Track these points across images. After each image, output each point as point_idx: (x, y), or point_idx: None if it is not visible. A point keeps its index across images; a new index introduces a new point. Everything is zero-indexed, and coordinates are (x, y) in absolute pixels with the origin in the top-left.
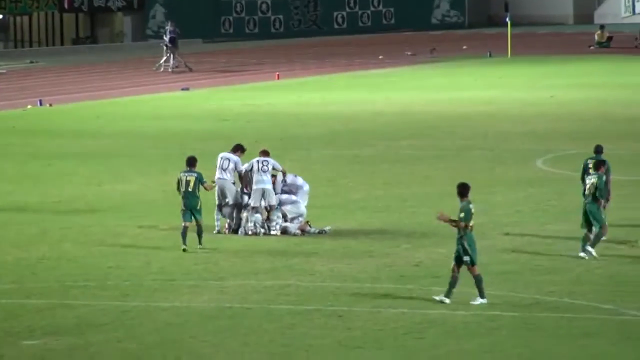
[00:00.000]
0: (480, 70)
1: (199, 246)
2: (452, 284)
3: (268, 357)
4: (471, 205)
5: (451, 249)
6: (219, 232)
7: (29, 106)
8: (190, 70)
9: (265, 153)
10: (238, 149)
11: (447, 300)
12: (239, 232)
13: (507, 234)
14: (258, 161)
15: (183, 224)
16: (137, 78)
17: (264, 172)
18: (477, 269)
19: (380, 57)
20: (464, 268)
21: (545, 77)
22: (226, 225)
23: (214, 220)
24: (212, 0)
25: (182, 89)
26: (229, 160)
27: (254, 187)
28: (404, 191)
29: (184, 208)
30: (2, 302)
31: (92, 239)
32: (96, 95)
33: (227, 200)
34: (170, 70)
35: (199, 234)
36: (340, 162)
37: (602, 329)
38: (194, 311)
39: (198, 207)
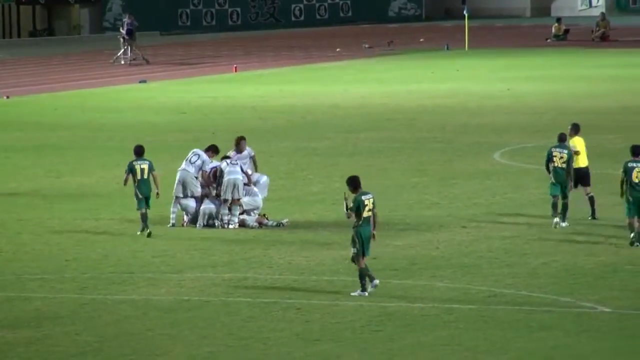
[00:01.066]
0: (437, 63)
1: (139, 231)
2: (362, 275)
3: (226, 350)
4: (364, 197)
5: (408, 241)
6: (173, 225)
7: None
8: (148, 62)
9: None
10: (210, 149)
11: (366, 294)
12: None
13: (464, 226)
14: (227, 163)
15: (140, 211)
16: (95, 70)
17: (234, 164)
18: (364, 262)
19: (338, 49)
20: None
21: (502, 70)
22: (185, 218)
23: (170, 212)
24: None
25: (140, 82)
26: (199, 156)
27: (226, 177)
28: (362, 184)
29: (140, 196)
30: None
31: (50, 231)
32: (54, 87)
33: (187, 192)
34: (127, 62)
35: (144, 219)
36: (298, 155)
37: (559, 321)
38: (152, 304)
39: (149, 195)
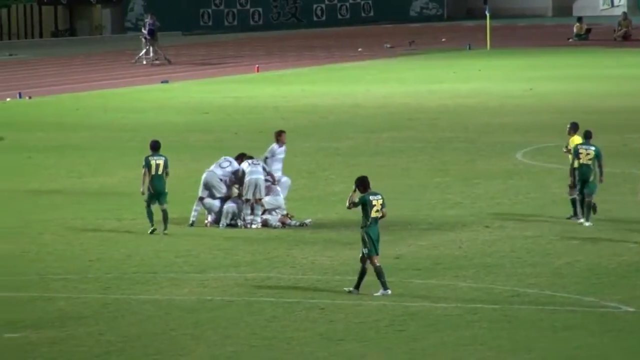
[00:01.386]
0: (459, 63)
1: (164, 231)
2: (379, 274)
3: (249, 350)
4: (373, 197)
5: (432, 241)
6: (193, 223)
7: (8, 99)
8: (170, 62)
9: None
10: (240, 158)
11: (356, 292)
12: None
13: (487, 226)
14: (249, 164)
15: (147, 205)
16: (117, 71)
17: (256, 164)
18: (378, 260)
19: (360, 49)
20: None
21: (524, 70)
22: (209, 218)
23: (191, 211)
24: None
25: (162, 82)
26: (230, 162)
27: (247, 177)
28: (384, 183)
29: (151, 191)
30: None
31: (73, 231)
32: (75, 87)
33: (212, 193)
34: (149, 62)
35: (165, 220)
36: (320, 155)
37: (583, 321)
38: (175, 304)
39: (165, 190)
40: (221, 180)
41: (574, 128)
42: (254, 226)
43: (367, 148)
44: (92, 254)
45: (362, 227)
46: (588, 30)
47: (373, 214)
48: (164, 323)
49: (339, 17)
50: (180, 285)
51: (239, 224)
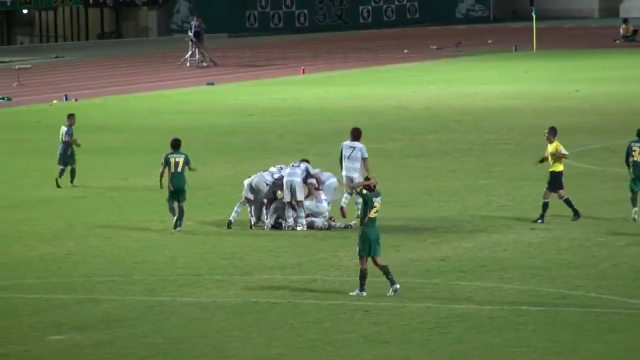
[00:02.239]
0: (505, 65)
1: (178, 228)
2: (362, 276)
3: (294, 352)
4: (375, 198)
5: (477, 243)
6: (230, 224)
7: (54, 101)
8: (215, 64)
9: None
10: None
11: (364, 294)
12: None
13: (532, 228)
14: (291, 166)
15: (169, 205)
16: (162, 73)
17: (295, 166)
18: (366, 263)
19: (405, 51)
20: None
21: (571, 71)
22: (252, 220)
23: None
24: None
25: (207, 84)
26: (299, 165)
27: (285, 178)
28: (430, 185)
29: (170, 188)
30: (28, 297)
31: (118, 233)
32: (121, 89)
33: (259, 197)
34: (195, 64)
35: (180, 217)
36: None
37: (629, 324)
38: (220, 306)
39: (184, 188)
40: (267, 185)
41: (552, 133)
42: (298, 228)
43: (413, 149)
44: (137, 256)
45: (361, 225)
46: (635, 32)
47: (372, 214)
48: (208, 325)
49: (385, 18)
50: (225, 287)
51: (283, 225)
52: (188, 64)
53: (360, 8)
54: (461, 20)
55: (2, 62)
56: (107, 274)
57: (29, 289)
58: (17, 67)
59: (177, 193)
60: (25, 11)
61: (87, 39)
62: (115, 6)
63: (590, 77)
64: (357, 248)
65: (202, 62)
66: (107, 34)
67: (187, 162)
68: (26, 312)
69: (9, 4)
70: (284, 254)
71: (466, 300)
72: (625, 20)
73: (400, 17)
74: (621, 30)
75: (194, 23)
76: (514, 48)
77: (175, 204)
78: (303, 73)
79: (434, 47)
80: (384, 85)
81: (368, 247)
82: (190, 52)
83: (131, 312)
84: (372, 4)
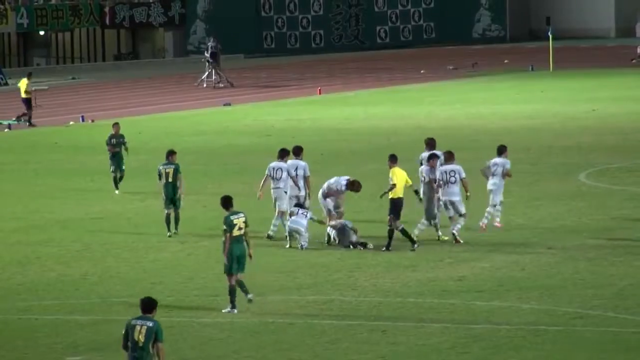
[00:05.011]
0: (522, 84)
1: (174, 231)
2: (231, 292)
3: None
4: (234, 217)
5: (494, 263)
6: (270, 236)
7: (71, 122)
8: (232, 85)
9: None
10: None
11: (235, 311)
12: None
13: (550, 248)
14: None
15: (166, 211)
16: (179, 94)
17: (302, 214)
18: (232, 280)
19: (422, 71)
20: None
21: (587, 91)
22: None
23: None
24: (253, 16)
25: (224, 105)
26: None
27: (289, 225)
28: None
29: (164, 197)
30: (45, 318)
31: (135, 255)
32: (138, 111)
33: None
34: (212, 85)
35: (176, 221)
36: (383, 177)
37: None
38: (237, 327)
39: (177, 197)
40: (343, 186)
41: (392, 160)
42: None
43: None
44: (154, 277)
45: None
46: None
47: (235, 232)
48: (225, 346)
49: (402, 39)
50: (241, 307)
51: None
52: (205, 85)
53: (377, 28)
54: (478, 40)
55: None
56: (124, 295)
57: (46, 310)
58: (33, 88)
59: (170, 201)
60: (42, 33)
61: (103, 60)
62: (132, 27)
63: (607, 96)
64: (224, 266)
65: (218, 82)
66: (123, 55)
67: (176, 171)
68: (43, 333)
69: (25, 25)
70: (300, 274)
71: (484, 320)
72: None
73: (417, 37)
74: (638, 50)
75: (210, 44)
76: (530, 68)
77: (173, 210)
78: (320, 93)
79: (451, 67)
80: (400, 106)
81: (236, 264)
82: (206, 73)
83: None
84: (389, 24)
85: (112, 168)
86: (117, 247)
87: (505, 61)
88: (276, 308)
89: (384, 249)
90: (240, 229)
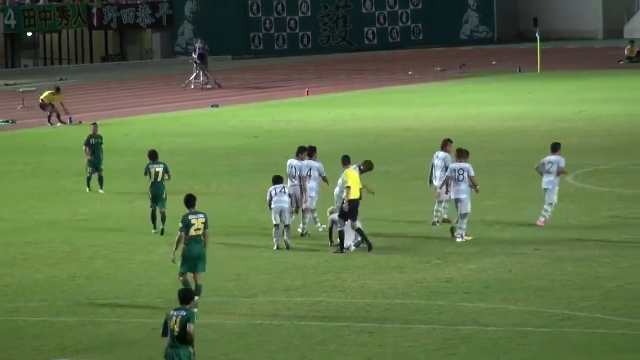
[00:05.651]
0: (510, 86)
1: (161, 227)
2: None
3: None
4: (192, 217)
5: (482, 264)
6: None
7: (59, 124)
8: (220, 87)
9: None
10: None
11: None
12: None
13: (537, 249)
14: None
15: (152, 209)
16: (167, 95)
17: (282, 192)
18: (184, 277)
19: (410, 72)
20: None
21: (575, 93)
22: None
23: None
24: (241, 17)
25: (212, 106)
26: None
27: (274, 205)
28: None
29: (151, 196)
30: (33, 320)
31: (123, 256)
32: (125, 112)
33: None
34: (199, 87)
35: (163, 220)
36: (371, 178)
37: (634, 345)
38: (225, 328)
39: (164, 196)
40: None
41: (345, 161)
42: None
43: (418, 172)
44: (142, 278)
45: (184, 245)
46: (639, 53)
47: (192, 233)
48: (214, 347)
49: (390, 40)
50: (230, 309)
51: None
52: (192, 87)
53: (365, 30)
54: (466, 41)
55: (6, 85)
56: (111, 297)
57: (33, 312)
58: (21, 90)
59: (157, 200)
60: (29, 34)
61: (91, 61)
62: (120, 29)
63: (595, 98)
64: (180, 267)
65: (206, 84)
66: (111, 57)
67: (166, 171)
68: (31, 334)
69: (13, 27)
70: (289, 276)
71: (471, 321)
72: (632, 42)
73: (405, 38)
74: (625, 52)
75: (198, 45)
76: (518, 69)
77: (158, 209)
78: (307, 95)
79: (439, 69)
80: (388, 107)
81: (194, 264)
82: (194, 75)
83: (136, 334)
84: (377, 25)
85: (89, 169)
86: (105, 248)
87: (494, 63)
88: (264, 310)
89: (335, 250)
90: (198, 229)
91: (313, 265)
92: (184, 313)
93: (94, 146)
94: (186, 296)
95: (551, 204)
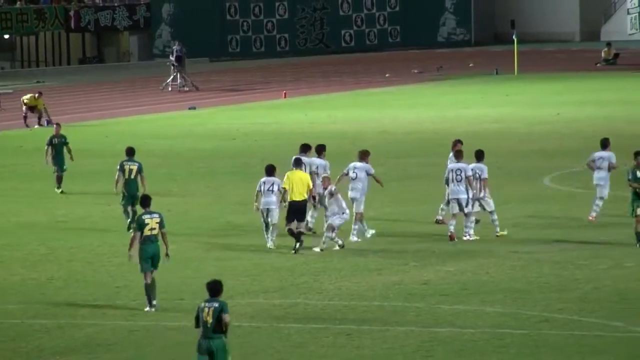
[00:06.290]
0: (487, 88)
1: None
2: (147, 291)
3: None
4: (146, 216)
5: (459, 266)
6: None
7: (35, 126)
8: (197, 89)
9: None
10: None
11: (153, 309)
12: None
13: (514, 251)
14: (265, 182)
15: (123, 207)
16: (144, 97)
17: (270, 191)
18: (147, 277)
19: (387, 75)
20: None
21: (552, 95)
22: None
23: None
24: (218, 19)
25: (189, 108)
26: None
27: (262, 207)
28: (413, 209)
29: (125, 194)
30: (10, 322)
31: (101, 258)
32: (103, 114)
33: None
34: (177, 89)
35: (133, 219)
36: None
37: (611, 346)
38: None
39: (138, 194)
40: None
41: (296, 164)
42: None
43: (396, 173)
44: (120, 280)
45: (140, 244)
46: (616, 55)
47: (147, 232)
48: (192, 349)
49: (367, 42)
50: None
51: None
52: (170, 89)
53: (343, 32)
54: (443, 43)
55: None
56: (89, 299)
57: (10, 314)
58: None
59: (131, 198)
60: (6, 36)
61: (68, 63)
62: (97, 31)
63: (571, 100)
64: (139, 266)
65: (183, 86)
66: (88, 59)
67: (140, 170)
68: (8, 337)
69: None
70: (266, 278)
71: (448, 323)
72: (609, 44)
73: (382, 41)
74: (602, 54)
75: (175, 47)
76: (495, 71)
77: (130, 207)
78: (285, 97)
79: (416, 71)
80: (366, 109)
81: (150, 263)
82: (172, 77)
83: (113, 336)
84: (355, 27)
85: (55, 168)
86: (82, 250)
87: (471, 65)
88: (242, 312)
89: (293, 251)
90: (152, 229)
91: (290, 267)
92: (216, 304)
93: (57, 146)
94: (215, 287)
95: (602, 197)
